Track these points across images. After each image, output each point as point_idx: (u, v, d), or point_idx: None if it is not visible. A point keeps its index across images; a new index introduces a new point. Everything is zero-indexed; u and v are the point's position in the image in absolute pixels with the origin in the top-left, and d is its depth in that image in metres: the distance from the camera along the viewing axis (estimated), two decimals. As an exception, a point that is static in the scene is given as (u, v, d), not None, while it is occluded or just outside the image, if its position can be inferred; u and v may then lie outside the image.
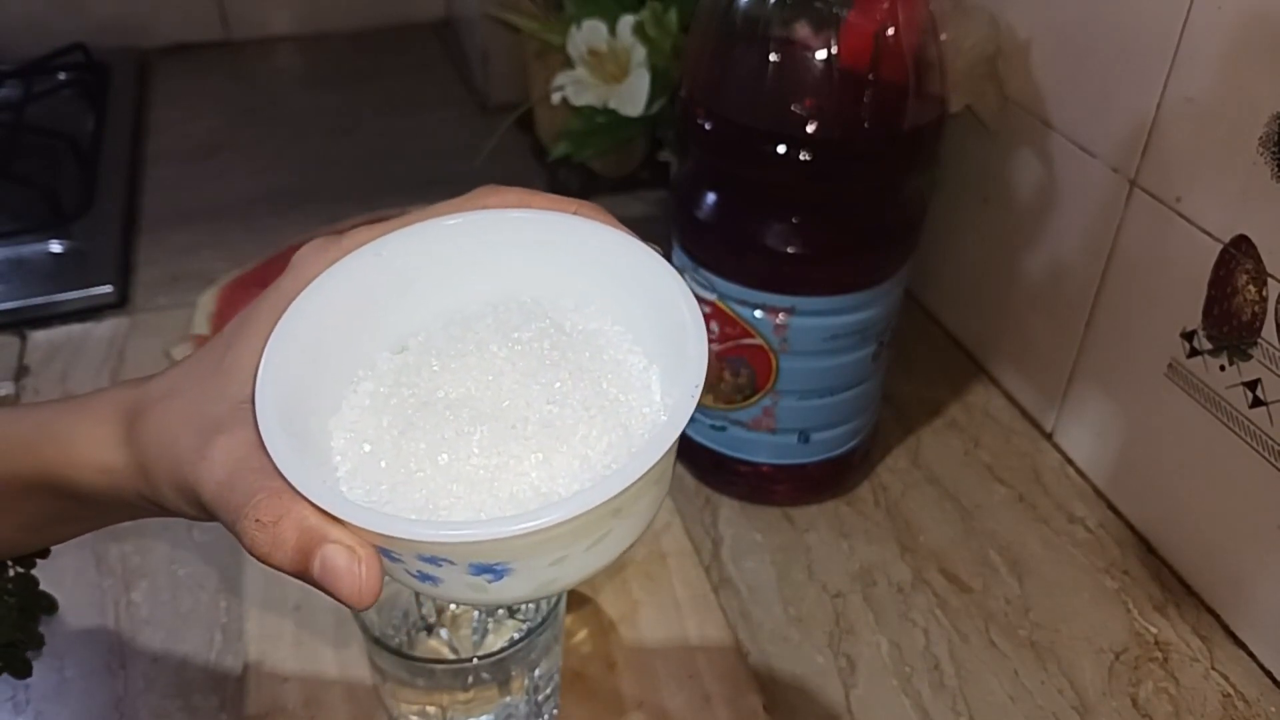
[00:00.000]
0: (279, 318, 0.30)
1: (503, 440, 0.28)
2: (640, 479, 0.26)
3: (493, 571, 0.27)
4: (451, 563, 0.27)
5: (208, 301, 0.73)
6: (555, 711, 0.48)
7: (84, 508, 0.34)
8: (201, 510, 0.29)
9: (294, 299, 0.31)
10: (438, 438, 0.28)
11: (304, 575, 0.27)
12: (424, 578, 0.28)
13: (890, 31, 0.49)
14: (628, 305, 0.32)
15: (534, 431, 0.29)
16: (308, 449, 0.28)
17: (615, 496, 0.26)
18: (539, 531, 0.25)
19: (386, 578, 0.28)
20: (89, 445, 0.31)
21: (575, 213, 0.34)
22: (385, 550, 0.27)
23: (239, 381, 0.29)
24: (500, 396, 0.30)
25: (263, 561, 0.27)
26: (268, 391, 0.28)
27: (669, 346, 0.30)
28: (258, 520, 0.26)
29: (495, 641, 0.48)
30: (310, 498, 0.26)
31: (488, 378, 0.30)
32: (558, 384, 0.30)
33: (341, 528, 0.26)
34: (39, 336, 0.74)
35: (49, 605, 0.44)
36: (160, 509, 0.31)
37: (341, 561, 0.26)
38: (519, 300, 0.33)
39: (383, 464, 0.29)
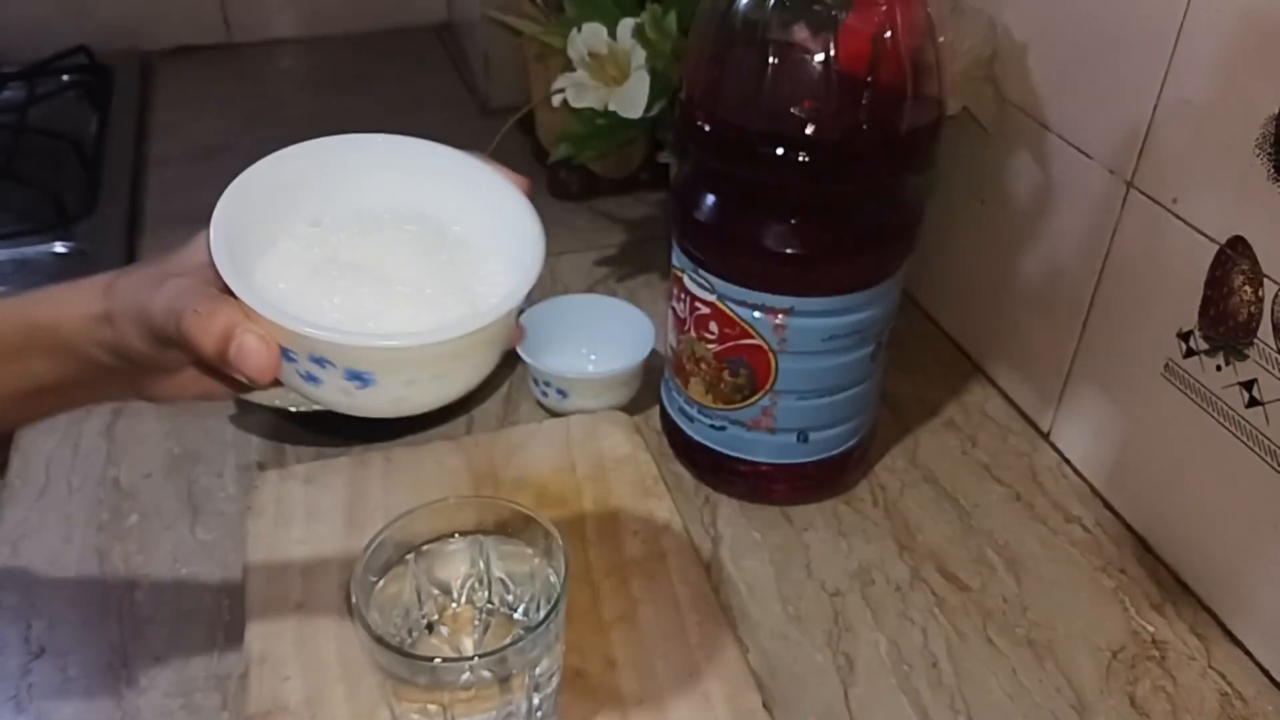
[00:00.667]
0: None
1: (384, 297, 0.38)
2: (474, 333, 0.36)
3: (361, 379, 0.36)
4: (333, 365, 0.35)
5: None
6: (555, 710, 0.49)
7: (69, 372, 0.41)
8: (152, 341, 0.37)
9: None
10: (335, 287, 0.38)
11: (222, 356, 0.35)
12: (309, 378, 0.36)
13: (888, 34, 0.49)
14: (495, 226, 0.42)
15: (409, 295, 0.38)
16: (241, 273, 0.36)
17: (456, 339, 0.36)
18: (398, 350, 0.35)
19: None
20: (77, 302, 0.40)
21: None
22: (285, 350, 0.35)
23: (189, 253, 0.39)
24: (387, 268, 0.39)
25: (194, 345, 0.35)
26: (219, 229, 0.36)
27: (519, 258, 0.41)
28: (196, 311, 0.35)
29: (496, 640, 0.48)
30: (240, 295, 0.34)
31: (380, 253, 0.39)
32: (432, 269, 0.39)
33: (255, 326, 0.35)
34: (42, 337, 0.74)
35: None
36: (122, 357, 0.39)
37: (251, 344, 0.34)
38: (414, 204, 0.41)
39: (294, 299, 0.37)
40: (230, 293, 0.35)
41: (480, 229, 0.42)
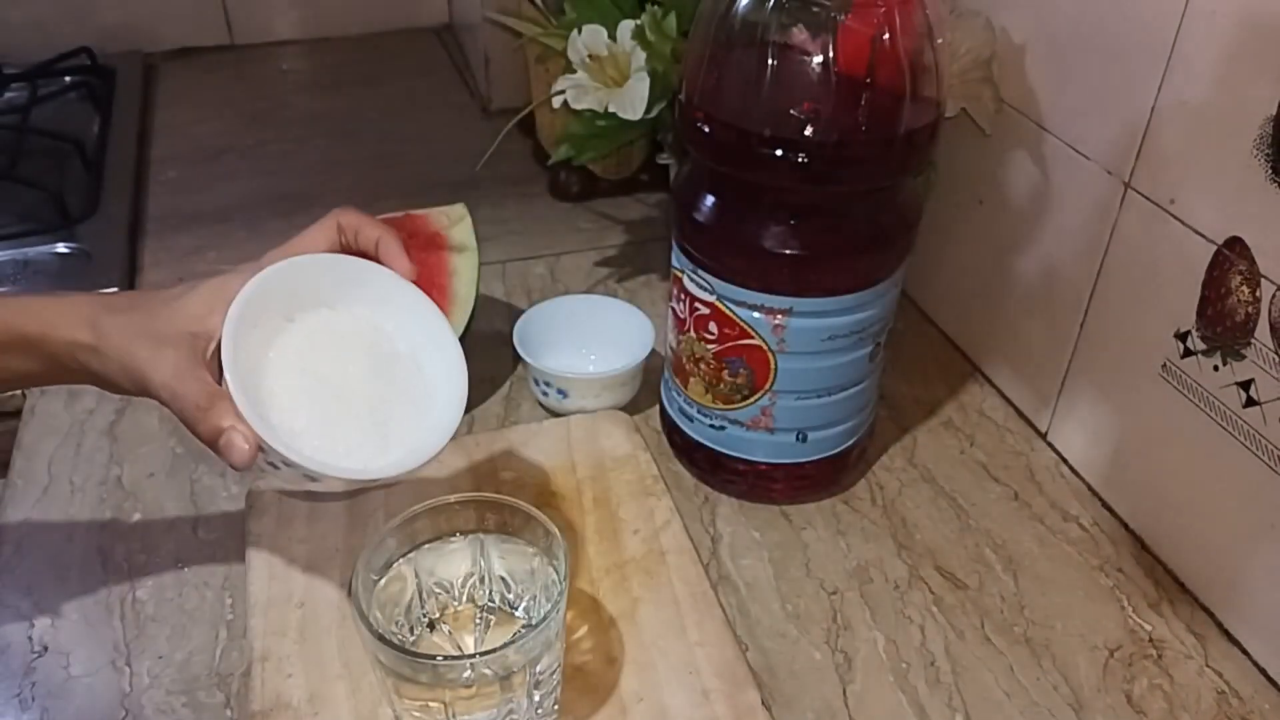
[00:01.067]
0: (219, 292, 0.46)
1: (343, 415, 0.47)
2: (400, 474, 0.47)
3: (312, 479, 0.46)
4: (298, 467, 0.44)
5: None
6: (556, 707, 0.49)
7: (45, 371, 0.47)
8: (136, 388, 0.45)
9: (235, 287, 0.45)
10: (306, 399, 0.46)
11: (211, 444, 0.42)
12: (275, 466, 0.45)
13: (887, 36, 0.49)
14: (425, 344, 0.50)
15: (362, 414, 0.47)
16: (241, 382, 0.44)
17: (377, 480, 0.47)
18: (351, 478, 0.46)
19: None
20: (64, 325, 0.46)
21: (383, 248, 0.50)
22: (261, 444, 0.43)
23: (184, 318, 0.45)
24: (349, 382, 0.48)
25: (190, 427, 0.43)
26: (229, 350, 0.43)
27: (446, 375, 0.50)
28: (198, 405, 0.42)
29: (497, 638, 0.49)
30: (240, 407, 0.43)
31: (348, 367, 0.48)
32: (383, 391, 0.48)
33: (243, 423, 0.42)
34: (45, 337, 0.74)
35: None
36: (99, 379, 0.47)
37: (238, 441, 0.42)
38: (371, 321, 0.50)
39: (272, 402, 0.45)
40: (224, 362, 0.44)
41: (416, 344, 0.50)
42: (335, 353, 0.48)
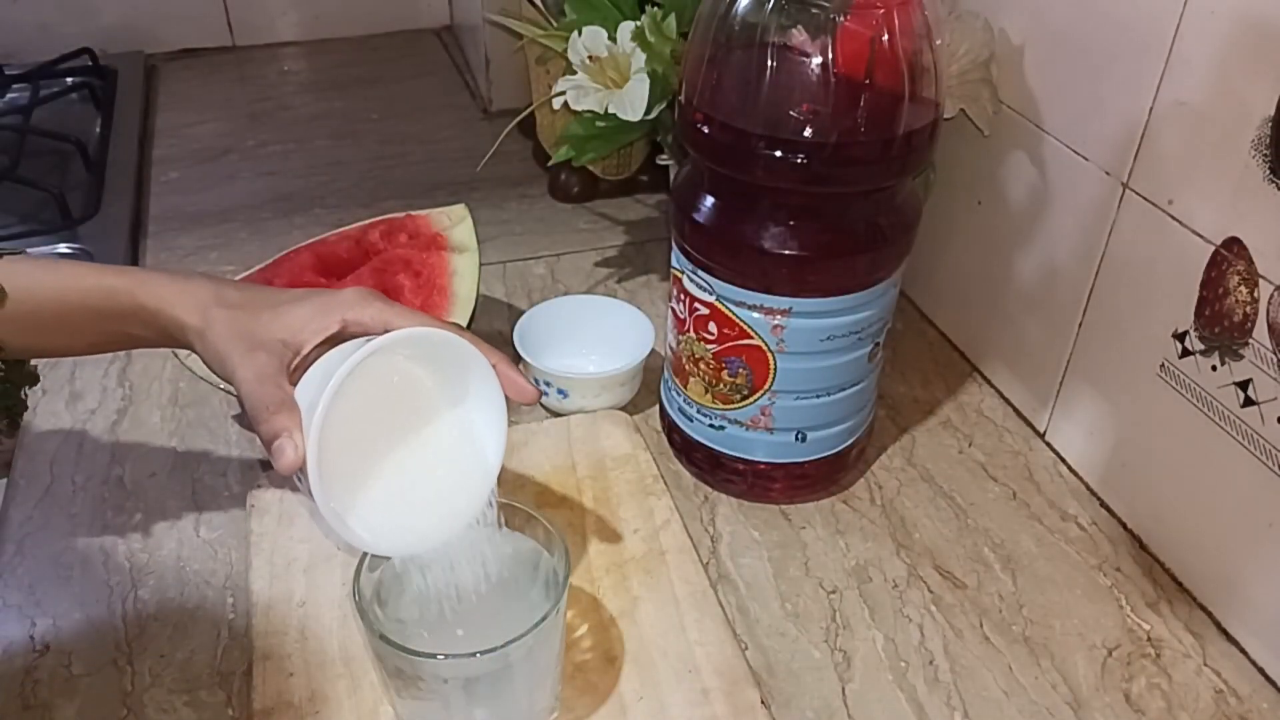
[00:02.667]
0: (321, 309, 0.49)
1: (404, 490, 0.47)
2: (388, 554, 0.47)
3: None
4: (311, 496, 0.44)
5: (213, 303, 0.74)
6: (557, 705, 0.49)
7: (157, 338, 0.52)
8: (224, 376, 0.49)
9: (336, 307, 0.49)
10: (366, 453, 0.47)
11: (266, 445, 0.44)
12: (300, 483, 0.46)
13: (885, 38, 0.50)
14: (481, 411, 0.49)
15: (424, 493, 0.47)
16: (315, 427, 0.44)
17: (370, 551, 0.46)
18: (336, 529, 0.44)
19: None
20: (179, 306, 0.50)
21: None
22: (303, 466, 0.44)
23: (281, 326, 0.49)
24: (417, 464, 0.47)
25: (255, 424, 0.45)
26: (325, 399, 0.43)
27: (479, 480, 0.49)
28: (267, 407, 0.45)
29: (497, 636, 0.49)
30: (303, 415, 0.45)
31: (417, 444, 0.48)
32: (448, 473, 0.48)
33: (300, 434, 0.44)
34: (47, 338, 0.75)
35: (33, 379, 0.60)
36: (191, 349, 0.51)
37: (288, 449, 0.44)
38: (465, 418, 0.49)
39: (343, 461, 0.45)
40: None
41: (472, 415, 0.49)
42: (400, 434, 0.47)
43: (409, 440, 0.47)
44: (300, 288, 0.60)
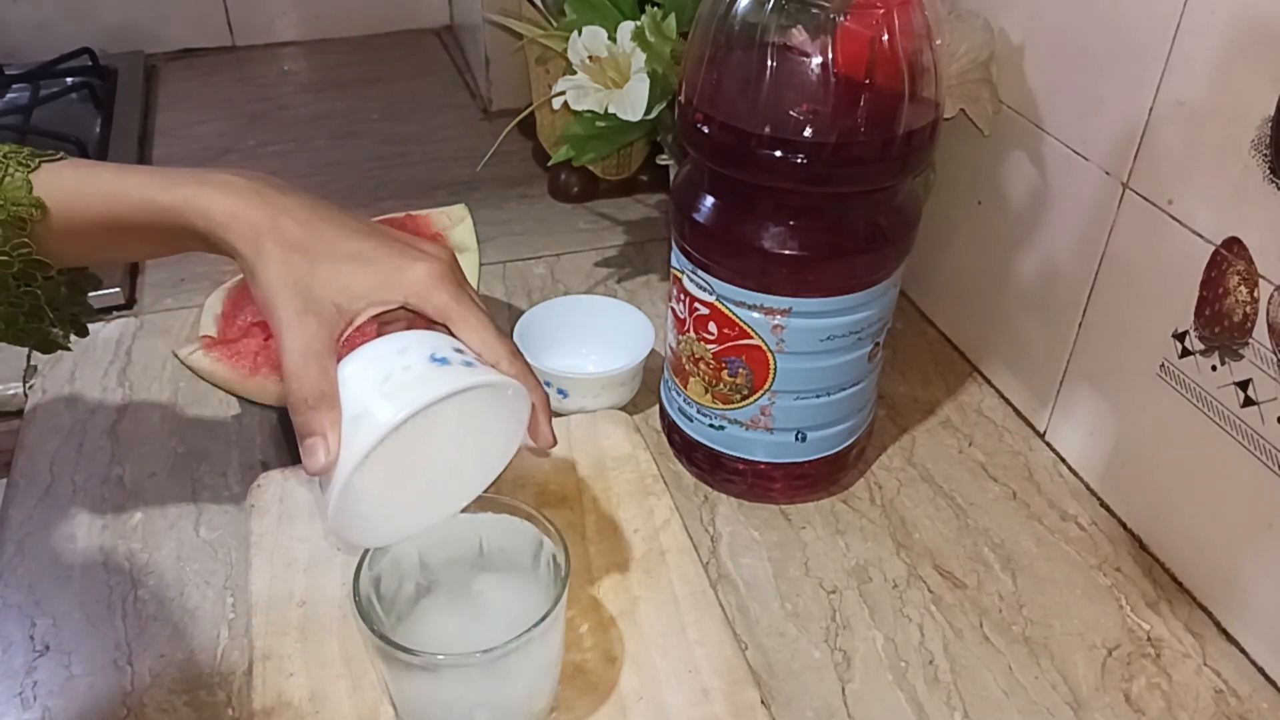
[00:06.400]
0: (389, 278, 0.46)
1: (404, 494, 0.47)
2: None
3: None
4: (325, 505, 0.44)
5: (215, 303, 0.73)
6: (556, 705, 0.49)
7: (210, 249, 0.48)
8: (269, 321, 0.45)
9: (409, 276, 0.46)
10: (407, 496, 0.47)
11: (299, 435, 0.43)
12: (322, 489, 0.45)
13: (885, 38, 0.50)
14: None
15: (421, 494, 0.48)
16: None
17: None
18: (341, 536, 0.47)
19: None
20: (229, 231, 0.45)
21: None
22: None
23: (338, 289, 0.45)
24: (422, 474, 0.47)
25: (291, 412, 0.43)
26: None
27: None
28: (306, 400, 0.43)
29: (497, 636, 0.49)
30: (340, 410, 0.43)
31: (425, 459, 0.47)
32: (447, 483, 0.48)
33: (335, 436, 0.43)
34: (47, 338, 0.75)
35: (95, 282, 0.56)
36: (239, 268, 0.47)
37: (320, 447, 0.42)
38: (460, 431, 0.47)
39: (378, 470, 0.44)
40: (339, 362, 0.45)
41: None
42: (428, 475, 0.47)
43: (420, 453, 0.46)
44: (380, 224, 0.51)
